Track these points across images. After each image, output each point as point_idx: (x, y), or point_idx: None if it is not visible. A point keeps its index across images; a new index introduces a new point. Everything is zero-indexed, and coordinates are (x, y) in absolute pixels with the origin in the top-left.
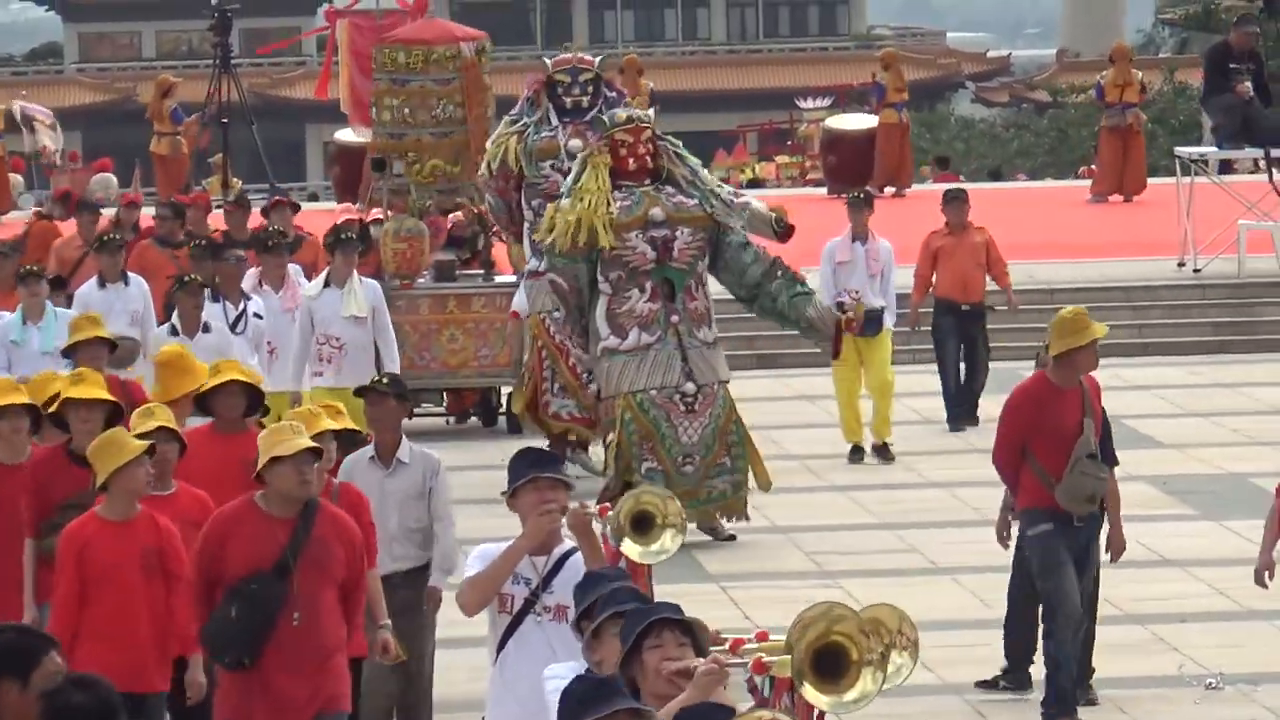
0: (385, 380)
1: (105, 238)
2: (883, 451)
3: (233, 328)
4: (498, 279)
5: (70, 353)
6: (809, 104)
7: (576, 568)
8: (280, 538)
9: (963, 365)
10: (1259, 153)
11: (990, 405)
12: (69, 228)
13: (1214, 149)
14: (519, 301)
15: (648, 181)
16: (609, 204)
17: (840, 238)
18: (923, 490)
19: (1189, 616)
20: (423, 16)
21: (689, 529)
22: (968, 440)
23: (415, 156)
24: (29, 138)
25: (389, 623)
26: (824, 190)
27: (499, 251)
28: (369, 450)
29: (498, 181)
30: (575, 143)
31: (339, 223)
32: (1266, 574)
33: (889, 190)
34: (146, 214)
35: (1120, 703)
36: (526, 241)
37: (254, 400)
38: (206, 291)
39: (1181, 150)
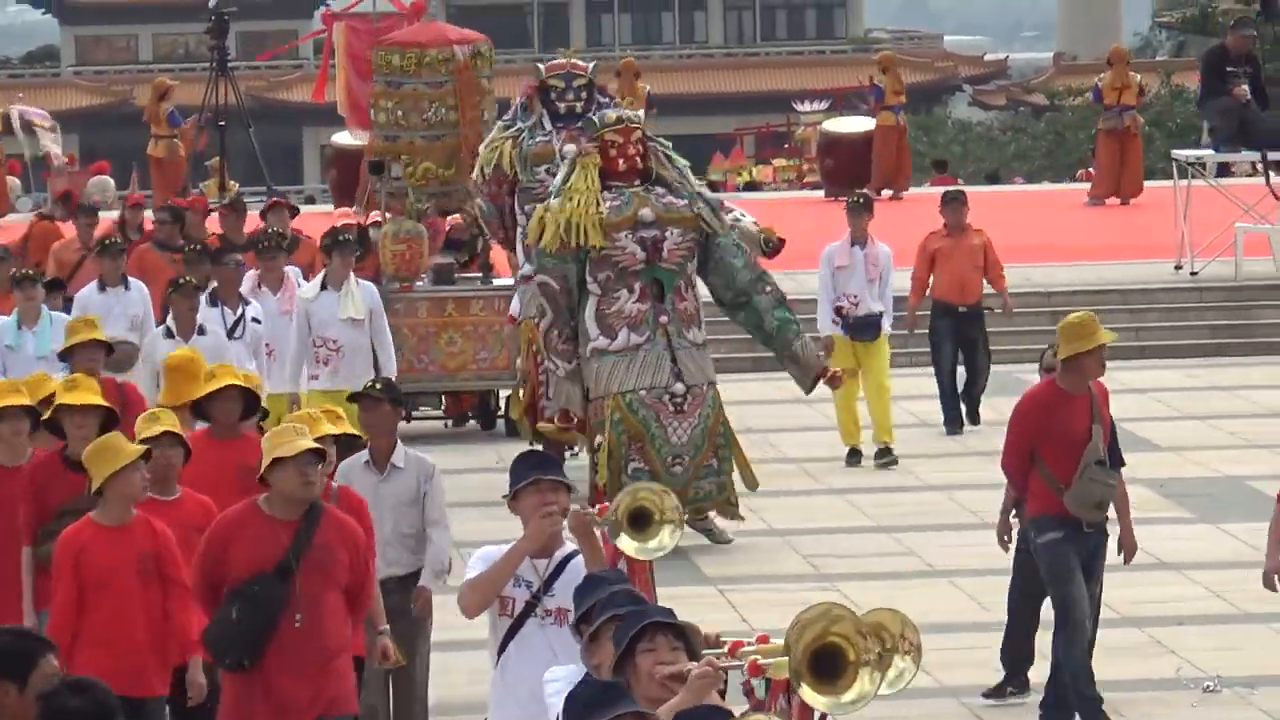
0: (379, 385)
1: (107, 241)
2: (885, 454)
3: (231, 333)
4: (496, 282)
5: (66, 356)
6: (806, 107)
7: (578, 571)
8: (283, 540)
9: (962, 369)
10: (1256, 155)
11: (991, 408)
12: (70, 229)
13: (1211, 152)
14: (517, 306)
15: (637, 182)
16: (598, 204)
17: (839, 242)
18: (920, 493)
19: (1186, 619)
20: (420, 19)
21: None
22: (965, 443)
23: (409, 159)
24: (29, 141)
25: (387, 628)
26: (821, 193)
27: (498, 254)
28: (363, 455)
29: (490, 186)
30: (570, 148)
31: (336, 225)
32: (1277, 577)
33: (886, 193)
34: (146, 216)
35: (1118, 706)
36: (519, 246)
37: (250, 405)
38: (205, 296)
39: (1179, 153)
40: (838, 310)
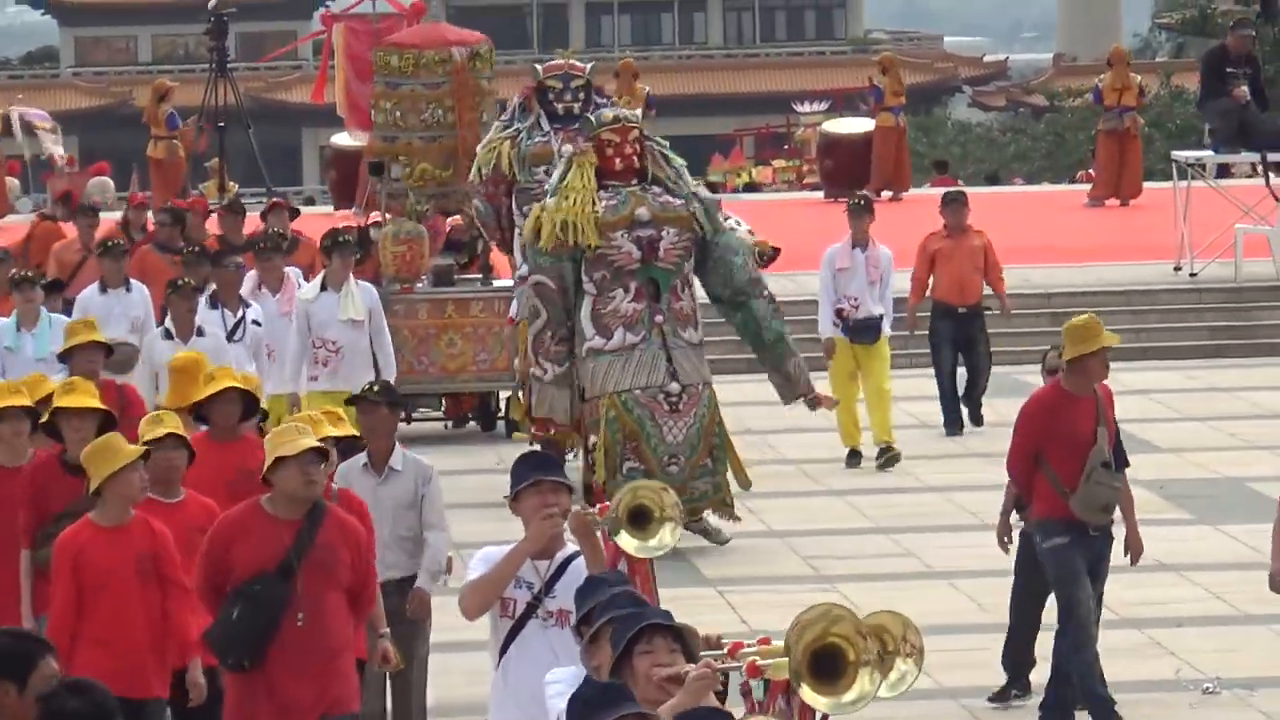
0: (377, 388)
1: (109, 243)
2: (887, 452)
3: (231, 335)
4: (496, 284)
5: (66, 357)
6: (806, 108)
7: (579, 572)
8: (285, 539)
9: (963, 370)
10: (1256, 157)
11: (991, 409)
12: (72, 230)
13: (1211, 153)
14: (516, 307)
15: (634, 181)
16: (594, 203)
17: (840, 244)
18: (919, 494)
19: (1186, 621)
20: (419, 20)
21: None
22: (965, 445)
23: (407, 160)
24: (30, 142)
25: (388, 631)
26: (820, 194)
27: (498, 256)
28: (361, 458)
29: (488, 187)
30: (568, 148)
31: (336, 226)
32: None
33: (886, 194)
34: (149, 217)
35: (1117, 707)
36: (516, 247)
37: (249, 407)
38: (205, 299)
39: (1178, 154)
40: (838, 313)
